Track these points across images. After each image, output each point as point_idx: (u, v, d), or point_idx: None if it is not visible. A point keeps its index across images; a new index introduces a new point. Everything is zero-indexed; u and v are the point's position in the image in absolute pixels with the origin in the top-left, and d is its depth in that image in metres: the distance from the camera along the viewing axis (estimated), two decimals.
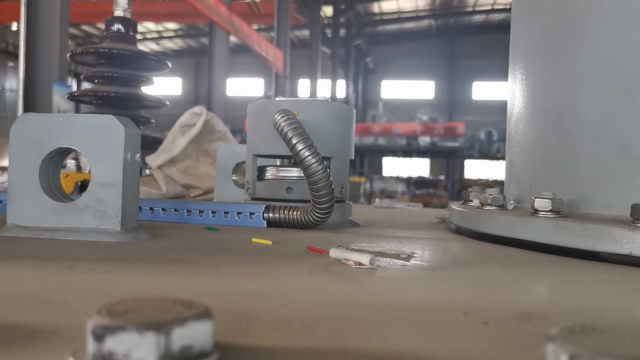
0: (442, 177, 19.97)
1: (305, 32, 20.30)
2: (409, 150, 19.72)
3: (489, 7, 21.06)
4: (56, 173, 0.81)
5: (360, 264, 0.63)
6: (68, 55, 1.70)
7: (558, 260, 0.74)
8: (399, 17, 22.79)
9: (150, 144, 1.82)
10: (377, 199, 1.93)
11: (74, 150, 0.78)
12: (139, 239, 0.79)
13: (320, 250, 0.72)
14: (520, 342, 0.37)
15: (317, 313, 0.44)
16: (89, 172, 0.84)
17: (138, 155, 0.80)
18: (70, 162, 1.65)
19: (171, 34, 23.73)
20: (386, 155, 21.32)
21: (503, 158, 1.15)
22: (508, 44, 1.08)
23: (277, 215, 1.02)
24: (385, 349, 0.35)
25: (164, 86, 24.91)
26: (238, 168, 1.47)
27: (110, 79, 1.66)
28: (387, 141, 19.87)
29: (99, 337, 0.28)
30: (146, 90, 1.79)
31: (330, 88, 19.44)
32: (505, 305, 0.48)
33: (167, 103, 1.82)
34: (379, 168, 22.43)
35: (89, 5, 13.86)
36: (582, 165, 0.87)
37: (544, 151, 0.95)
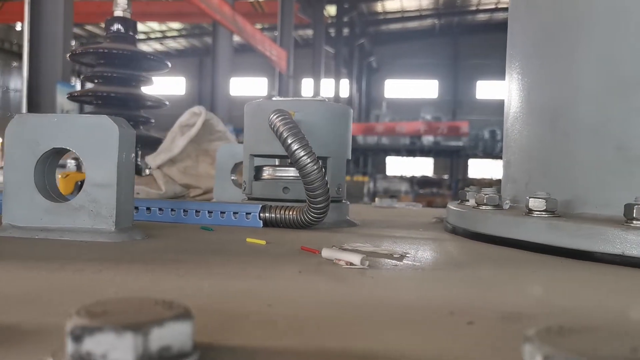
0: (445, 177, 19.95)
1: (309, 32, 20.30)
2: (413, 150, 19.71)
3: (492, 6, 21.02)
4: (51, 173, 0.81)
5: (351, 264, 0.63)
6: (68, 55, 1.70)
7: (552, 260, 0.74)
8: (403, 16, 22.77)
9: (151, 144, 1.82)
10: (377, 199, 1.93)
11: (69, 150, 0.78)
12: (134, 239, 0.79)
13: (313, 250, 0.72)
14: (503, 343, 0.37)
15: (303, 313, 0.44)
16: None
17: (133, 155, 0.81)
18: (70, 162, 1.65)
19: (175, 33, 23.76)
20: (390, 155, 21.31)
21: None
22: None
23: (273, 215, 1.02)
24: (367, 349, 0.35)
25: (168, 86, 24.94)
26: (237, 168, 1.47)
27: (109, 79, 1.66)
28: (390, 140, 19.86)
29: (77, 337, 0.28)
30: (147, 90, 1.79)
31: (333, 87, 19.45)
32: (494, 305, 0.48)
33: (167, 103, 1.82)
34: (382, 167, 22.43)
35: (93, 5, 13.89)
36: (578, 165, 0.87)
37: (540, 151, 0.94)
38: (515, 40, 1.05)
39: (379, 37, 24.65)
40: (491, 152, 19.01)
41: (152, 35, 23.67)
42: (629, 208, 0.70)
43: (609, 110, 0.83)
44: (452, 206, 1.08)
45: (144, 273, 0.58)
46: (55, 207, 0.78)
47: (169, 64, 1.74)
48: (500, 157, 1.17)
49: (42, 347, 0.33)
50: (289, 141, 0.94)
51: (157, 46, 24.61)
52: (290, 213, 1.01)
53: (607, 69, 0.84)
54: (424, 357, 0.33)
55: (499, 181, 1.19)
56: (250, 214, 1.03)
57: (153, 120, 1.78)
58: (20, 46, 8.96)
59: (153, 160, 1.61)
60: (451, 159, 20.37)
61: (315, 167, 0.93)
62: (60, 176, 1.58)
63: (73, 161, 1.62)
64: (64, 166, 1.68)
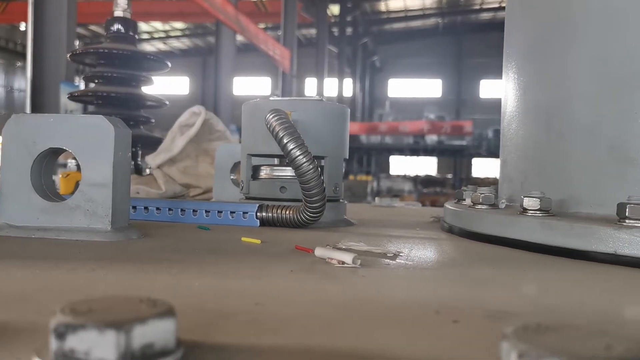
0: (449, 176, 19.94)
1: (312, 31, 20.32)
2: (416, 149, 19.70)
3: (496, 5, 20.98)
4: (48, 173, 0.82)
5: (343, 263, 0.63)
6: (68, 55, 1.71)
7: (545, 259, 0.74)
8: (406, 15, 22.76)
9: (151, 144, 1.83)
10: (376, 198, 1.94)
11: (65, 150, 0.79)
12: (130, 238, 0.80)
13: (307, 250, 0.73)
14: (485, 341, 0.37)
15: (292, 311, 0.44)
16: None
17: (129, 155, 0.81)
18: (71, 162, 1.67)
19: (178, 33, 23.81)
20: (393, 154, 21.30)
21: None
22: None
23: (270, 215, 1.03)
24: (350, 347, 0.35)
25: (171, 86, 24.99)
26: (236, 167, 1.47)
27: (110, 79, 1.67)
28: (394, 140, 19.85)
29: (60, 335, 0.29)
30: (148, 89, 1.80)
31: (337, 87, 19.45)
32: (480, 304, 0.48)
33: (167, 103, 1.83)
34: (386, 167, 22.43)
35: (96, 5, 13.92)
36: (572, 164, 0.87)
37: (535, 150, 0.95)
38: (511, 40, 1.05)
39: (382, 36, 24.65)
40: (495, 151, 18.89)
41: (156, 35, 23.72)
42: (621, 207, 0.70)
43: (603, 110, 0.83)
44: (449, 205, 1.08)
45: (137, 272, 0.58)
46: (52, 207, 0.78)
47: (169, 64, 1.75)
48: None
49: (29, 345, 0.33)
50: (285, 141, 0.94)
51: (160, 46, 24.66)
52: (287, 212, 1.02)
53: (601, 69, 0.84)
54: (404, 355, 0.34)
55: None
56: (247, 213, 1.03)
57: (153, 120, 1.79)
58: (24, 46, 8.98)
59: (153, 159, 1.62)
60: (455, 158, 20.35)
61: (311, 166, 0.94)
62: (61, 176, 1.59)
63: (74, 161, 1.63)
64: (64, 166, 1.69)
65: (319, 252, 0.67)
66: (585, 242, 0.72)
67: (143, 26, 21.40)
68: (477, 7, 21.86)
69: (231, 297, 0.49)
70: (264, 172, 1.15)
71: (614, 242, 0.69)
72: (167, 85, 24.67)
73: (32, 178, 0.78)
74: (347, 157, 1.18)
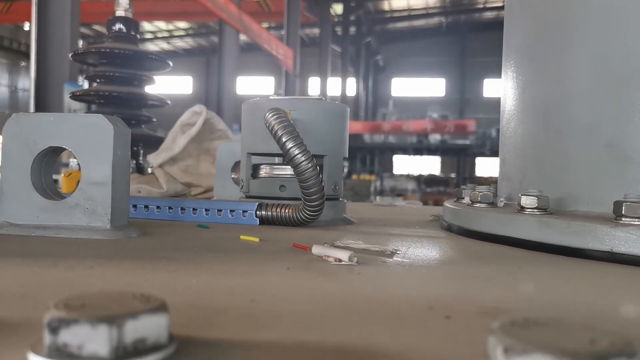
0: (453, 175, 19.91)
1: (315, 30, 20.29)
2: (420, 148, 19.66)
3: (500, 4, 20.92)
4: (48, 172, 0.82)
5: (340, 260, 0.63)
6: (70, 55, 1.72)
7: (542, 257, 0.74)
8: (409, 14, 22.74)
9: (153, 143, 1.84)
10: (377, 197, 1.94)
11: (65, 149, 0.80)
12: (129, 237, 0.80)
13: (305, 248, 0.73)
14: (476, 337, 0.38)
15: (287, 308, 0.45)
16: None
17: (128, 153, 0.82)
18: (73, 161, 1.67)
19: (182, 32, 23.84)
20: (397, 153, 21.27)
21: None
22: None
23: (269, 213, 1.03)
24: (341, 343, 0.35)
25: (175, 85, 25.02)
26: (237, 166, 1.48)
27: (111, 79, 1.68)
28: (397, 139, 19.83)
29: (53, 329, 0.29)
30: (152, 89, 1.81)
31: (340, 86, 19.45)
32: (474, 300, 0.49)
33: (169, 102, 1.83)
34: (389, 166, 22.41)
35: (100, 5, 13.95)
36: (570, 163, 0.87)
37: (534, 149, 0.95)
38: (511, 39, 1.06)
39: (386, 36, 24.62)
40: (498, 150, 18.91)
41: (160, 35, 23.76)
42: (617, 205, 0.70)
43: (601, 109, 0.83)
44: (448, 204, 1.08)
45: (135, 269, 0.59)
46: (52, 205, 0.79)
47: (171, 63, 1.76)
48: None
49: (26, 340, 0.34)
50: (284, 139, 0.95)
51: (164, 45, 24.70)
52: (286, 211, 1.02)
53: (600, 67, 0.85)
54: (394, 350, 0.34)
55: None
56: (246, 211, 1.04)
57: (155, 119, 1.79)
58: (28, 46, 9.01)
59: (154, 159, 1.62)
60: (458, 157, 20.31)
61: (310, 165, 0.94)
62: (63, 175, 1.60)
63: (76, 160, 1.64)
64: (67, 165, 1.70)
65: (316, 250, 0.68)
66: (582, 240, 0.72)
67: (147, 26, 21.46)
68: (481, 6, 21.83)
69: (227, 294, 0.49)
70: (263, 171, 1.15)
71: (610, 240, 0.69)
72: (170, 85, 24.71)
73: (33, 177, 0.79)
74: (347, 156, 1.19)
